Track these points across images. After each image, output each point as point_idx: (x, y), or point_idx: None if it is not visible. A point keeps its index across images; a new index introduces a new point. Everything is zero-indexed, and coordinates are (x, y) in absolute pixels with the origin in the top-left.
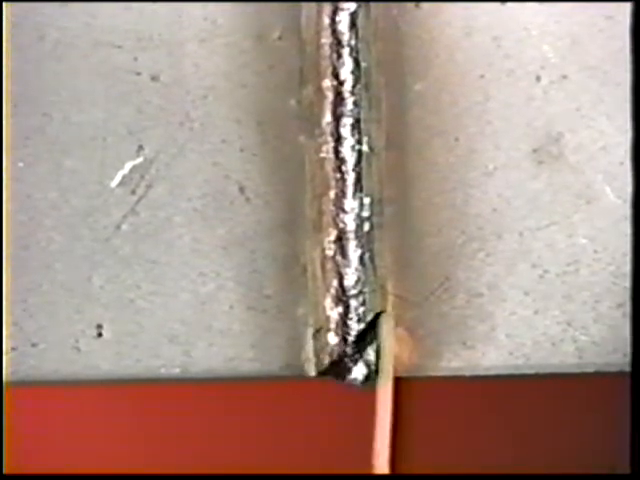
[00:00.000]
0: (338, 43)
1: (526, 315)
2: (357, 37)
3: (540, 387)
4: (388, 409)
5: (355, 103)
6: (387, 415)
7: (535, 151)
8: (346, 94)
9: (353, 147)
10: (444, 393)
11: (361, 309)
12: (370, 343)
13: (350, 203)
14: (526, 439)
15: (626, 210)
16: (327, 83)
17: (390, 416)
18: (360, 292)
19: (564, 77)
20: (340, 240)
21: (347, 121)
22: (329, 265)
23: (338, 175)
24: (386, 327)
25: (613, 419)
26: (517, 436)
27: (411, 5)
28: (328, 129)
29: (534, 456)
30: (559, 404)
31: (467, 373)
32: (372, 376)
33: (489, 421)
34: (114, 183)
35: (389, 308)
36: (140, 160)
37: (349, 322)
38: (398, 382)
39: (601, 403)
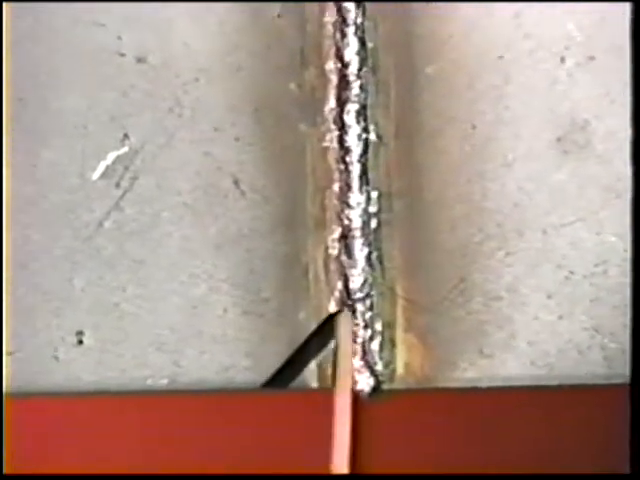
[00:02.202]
0: (343, 21)
1: (549, 320)
2: (364, 15)
3: (565, 399)
4: (347, 417)
5: (361, 87)
6: (347, 423)
7: (559, 140)
8: (351, 77)
9: (359, 136)
10: (459, 406)
11: (368, 314)
12: (323, 345)
13: (356, 197)
14: (549, 455)
15: None
16: (330, 65)
17: (350, 423)
18: (367, 295)
19: (591, 58)
20: (345, 238)
21: (352, 107)
22: (333, 265)
23: (342, 166)
24: (344, 327)
25: None
26: (539, 452)
27: None
28: (331, 116)
29: (558, 472)
30: (585, 418)
31: (484, 384)
32: (380, 387)
33: (509, 436)
34: (96, 175)
35: (399, 313)
36: (125, 150)
37: (355, 328)
38: (409, 394)
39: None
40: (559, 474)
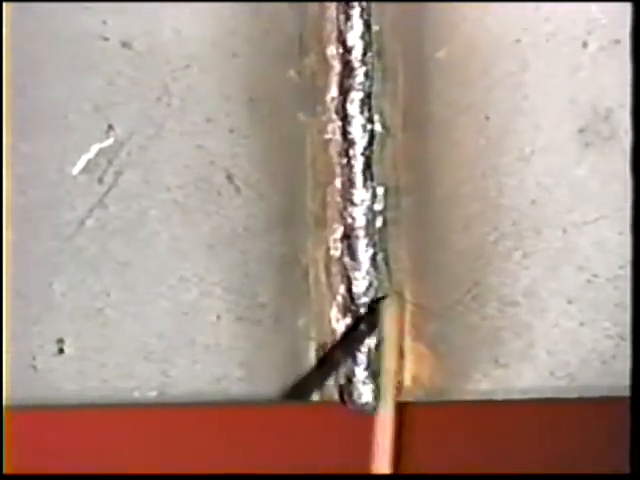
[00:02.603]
0: (346, 2)
1: (571, 327)
2: None
3: (587, 413)
4: (389, 431)
5: (366, 74)
6: (387, 440)
7: (581, 131)
8: (355, 63)
9: (363, 127)
10: (472, 421)
11: None
12: (359, 343)
13: (360, 194)
14: (571, 472)
15: None
16: (332, 50)
17: (391, 443)
18: (372, 300)
19: (616, 42)
20: (348, 238)
21: (356, 96)
22: (335, 268)
23: (345, 160)
24: (389, 316)
25: None
26: (560, 469)
27: None
28: (333, 105)
29: None
30: (609, 432)
31: (499, 397)
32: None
33: (526, 453)
34: (77, 170)
35: (406, 319)
36: (109, 142)
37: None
38: (418, 408)
39: None
40: (560, 474)
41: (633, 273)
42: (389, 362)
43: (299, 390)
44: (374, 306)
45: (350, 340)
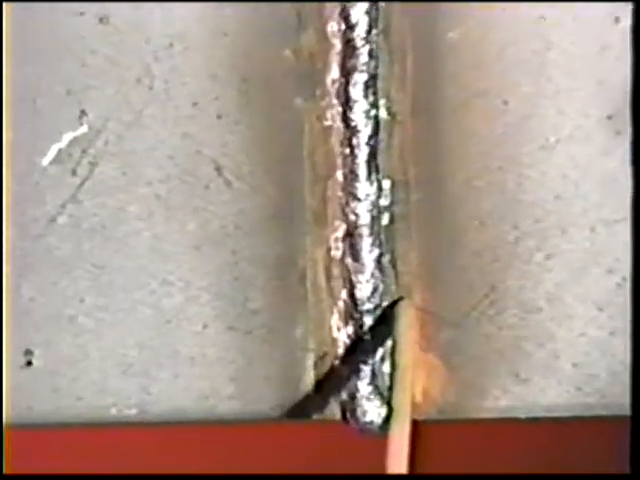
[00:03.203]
0: None
1: (599, 337)
2: None
3: (618, 432)
4: (404, 456)
5: (370, 54)
6: (403, 465)
7: (610, 117)
8: (358, 42)
9: (367, 113)
10: (489, 441)
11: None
12: (369, 355)
13: (364, 188)
14: None
15: None
16: (333, 27)
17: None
18: (377, 307)
19: None
20: (350, 237)
21: (359, 78)
22: (336, 270)
23: (347, 150)
24: (403, 324)
25: None
26: None
27: None
28: (334, 89)
29: None
30: None
31: (521, 415)
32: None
33: (550, 475)
34: (48, 160)
35: (415, 327)
36: (82, 130)
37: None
38: (428, 427)
39: None
40: (559, 474)
41: (633, 275)
42: (404, 375)
43: (298, 410)
44: (386, 312)
45: (356, 353)
